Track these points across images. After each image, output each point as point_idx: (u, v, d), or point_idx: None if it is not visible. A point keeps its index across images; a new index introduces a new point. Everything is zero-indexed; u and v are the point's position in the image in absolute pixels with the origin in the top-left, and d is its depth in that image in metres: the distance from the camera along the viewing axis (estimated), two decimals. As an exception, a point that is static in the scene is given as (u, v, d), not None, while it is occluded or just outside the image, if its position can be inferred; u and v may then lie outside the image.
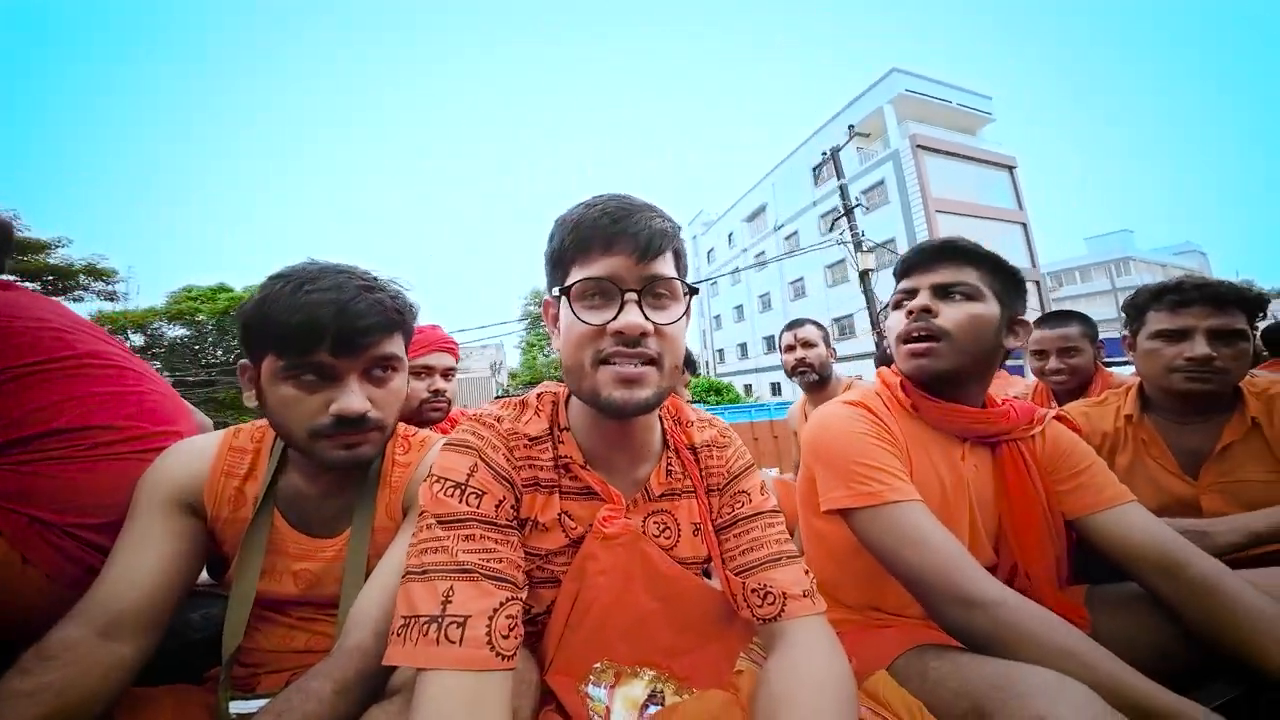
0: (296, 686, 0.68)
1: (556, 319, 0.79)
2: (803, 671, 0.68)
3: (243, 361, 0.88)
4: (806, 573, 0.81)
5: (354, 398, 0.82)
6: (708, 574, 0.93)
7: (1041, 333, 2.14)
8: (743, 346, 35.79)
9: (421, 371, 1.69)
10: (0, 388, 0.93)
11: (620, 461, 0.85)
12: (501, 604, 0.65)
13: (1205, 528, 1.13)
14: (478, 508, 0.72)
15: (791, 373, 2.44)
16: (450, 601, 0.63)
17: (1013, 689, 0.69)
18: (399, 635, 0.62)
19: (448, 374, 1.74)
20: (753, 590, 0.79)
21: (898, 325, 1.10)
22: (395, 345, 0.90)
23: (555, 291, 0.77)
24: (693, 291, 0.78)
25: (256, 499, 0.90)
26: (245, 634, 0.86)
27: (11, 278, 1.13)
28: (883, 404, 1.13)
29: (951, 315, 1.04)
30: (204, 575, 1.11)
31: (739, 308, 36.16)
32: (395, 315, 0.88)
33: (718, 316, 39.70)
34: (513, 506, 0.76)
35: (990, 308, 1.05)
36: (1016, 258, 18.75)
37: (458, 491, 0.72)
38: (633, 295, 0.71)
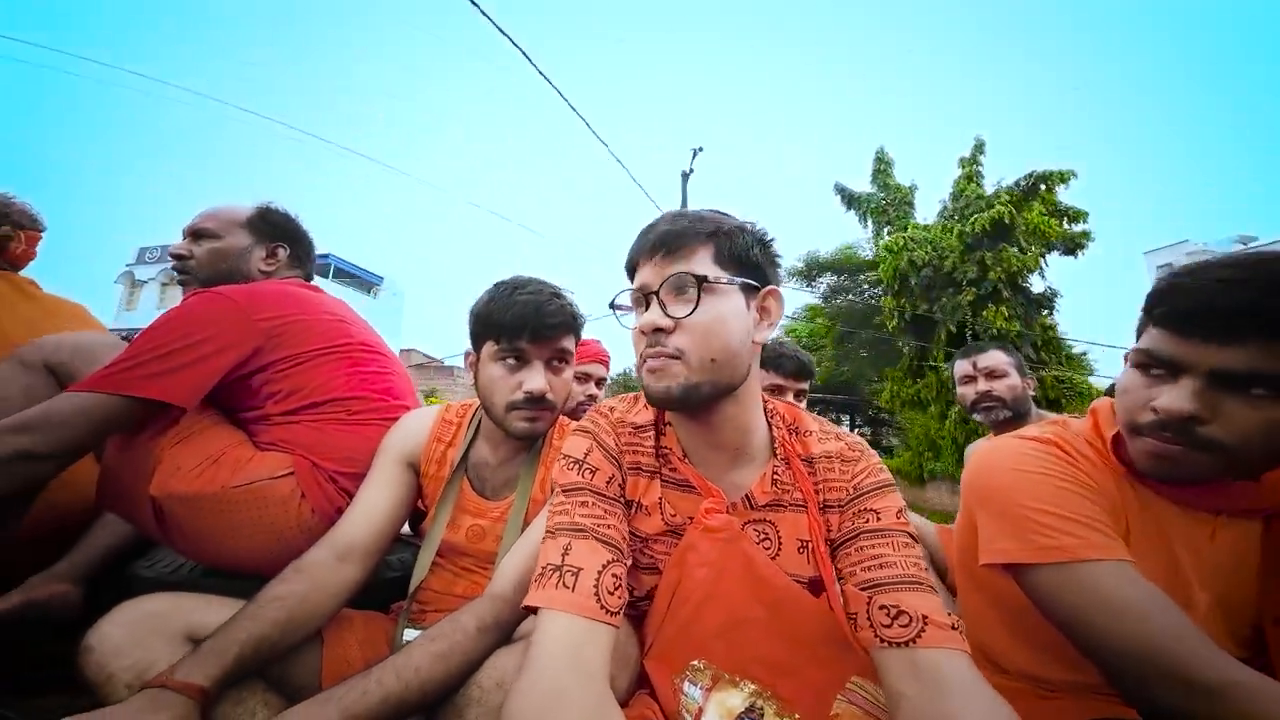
0: (451, 618, 0.80)
1: None
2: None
3: (468, 349, 1.10)
4: (953, 614, 0.67)
5: (539, 379, 1.00)
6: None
7: None
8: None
9: (582, 377, 1.92)
10: (307, 363, 1.23)
11: (717, 461, 0.83)
12: (608, 563, 0.70)
13: None
14: (591, 480, 0.80)
15: (973, 408, 2.01)
16: (568, 554, 0.70)
17: None
18: (536, 582, 0.70)
19: (600, 382, 1.95)
20: (880, 608, 0.67)
21: (1143, 401, 0.76)
22: (569, 343, 1.06)
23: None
24: (701, 280, 0.73)
25: (453, 462, 1.08)
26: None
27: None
28: (1090, 450, 0.87)
29: (1237, 424, 0.68)
30: (405, 528, 1.34)
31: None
32: (572, 318, 1.05)
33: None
34: (620, 485, 0.82)
35: None
36: None
37: (577, 466, 0.81)
38: (654, 296, 0.76)
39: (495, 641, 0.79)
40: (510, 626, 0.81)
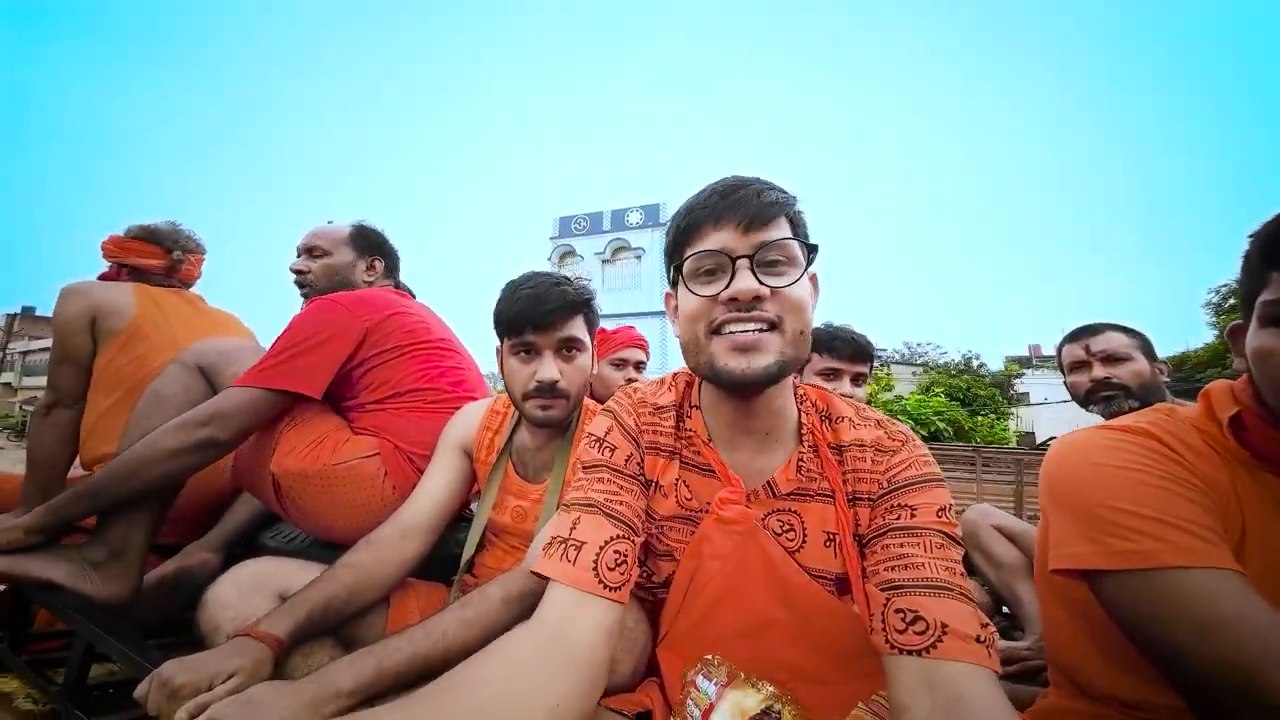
0: (481, 589, 0.86)
1: (677, 309, 0.77)
2: None
3: (497, 345, 1.14)
4: (985, 625, 0.59)
5: (549, 368, 1.02)
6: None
7: None
8: None
9: (619, 363, 1.91)
10: (394, 359, 1.36)
11: (744, 446, 0.78)
12: (612, 538, 0.69)
13: None
14: (609, 458, 0.79)
15: (1087, 399, 1.67)
16: (575, 528, 0.71)
17: None
18: (544, 550, 0.71)
19: (639, 366, 1.92)
20: (896, 611, 0.60)
21: None
22: (578, 328, 1.06)
23: (671, 274, 0.76)
24: (811, 251, 0.71)
25: (498, 449, 1.14)
26: (476, 552, 1.09)
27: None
28: (1199, 438, 0.73)
29: None
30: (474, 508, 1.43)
31: None
32: (575, 301, 1.05)
33: None
34: (639, 463, 0.81)
35: None
36: None
37: (597, 444, 0.81)
38: (744, 261, 0.67)
39: (519, 612, 0.81)
40: (536, 599, 0.84)
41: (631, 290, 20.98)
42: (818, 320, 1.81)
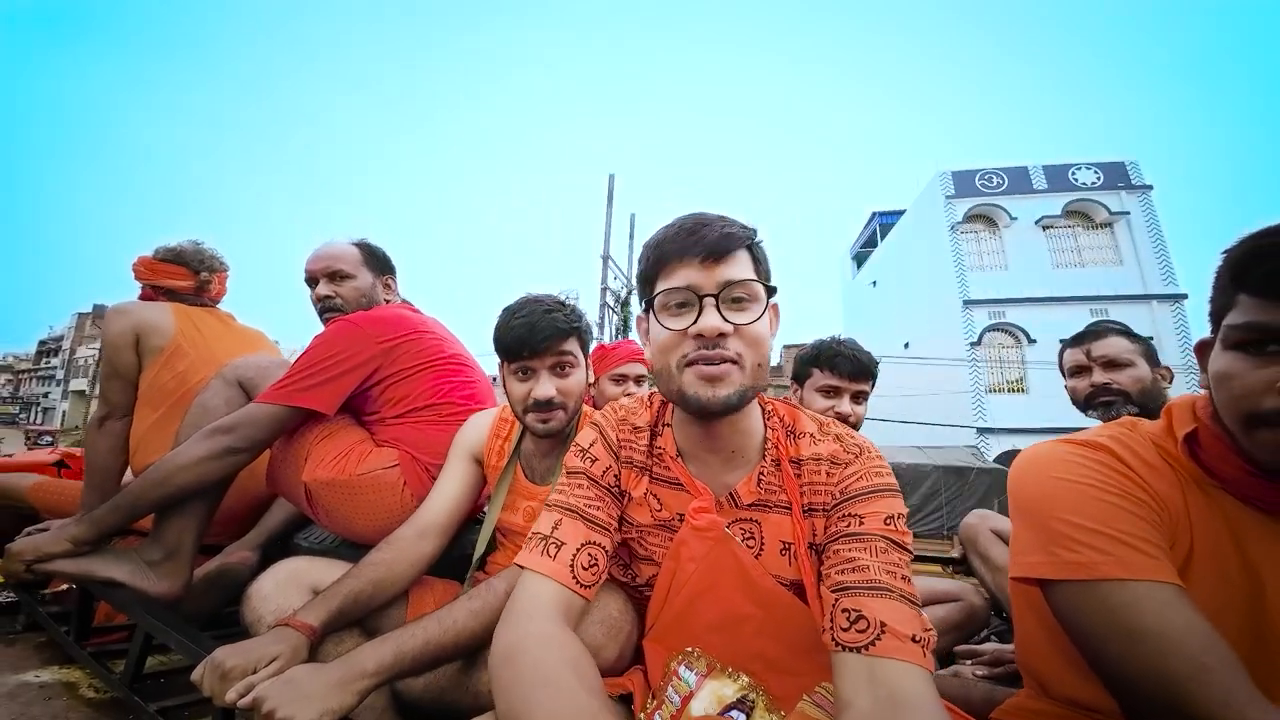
0: (487, 583, 0.95)
1: (649, 333, 0.84)
2: None
3: (499, 363, 1.23)
4: (928, 629, 0.65)
5: (545, 386, 1.11)
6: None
7: None
8: None
9: (619, 379, 1.96)
10: (412, 376, 1.47)
11: (711, 462, 0.86)
12: (587, 541, 0.79)
13: None
14: (590, 468, 0.89)
15: (1087, 404, 1.67)
16: (557, 528, 0.80)
17: None
18: (526, 545, 0.81)
19: (639, 380, 1.98)
20: (842, 611, 0.66)
21: (1262, 384, 0.64)
22: (571, 346, 1.15)
23: (643, 306, 0.84)
24: (770, 291, 0.78)
25: (507, 455, 1.24)
26: (489, 550, 1.18)
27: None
28: (1155, 454, 0.76)
29: None
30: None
31: None
32: (566, 325, 1.13)
33: None
34: (615, 475, 0.90)
35: None
36: None
37: (582, 454, 0.91)
38: (710, 300, 0.74)
39: None
40: None
41: (1106, 266, 16.23)
42: (823, 333, 1.84)
